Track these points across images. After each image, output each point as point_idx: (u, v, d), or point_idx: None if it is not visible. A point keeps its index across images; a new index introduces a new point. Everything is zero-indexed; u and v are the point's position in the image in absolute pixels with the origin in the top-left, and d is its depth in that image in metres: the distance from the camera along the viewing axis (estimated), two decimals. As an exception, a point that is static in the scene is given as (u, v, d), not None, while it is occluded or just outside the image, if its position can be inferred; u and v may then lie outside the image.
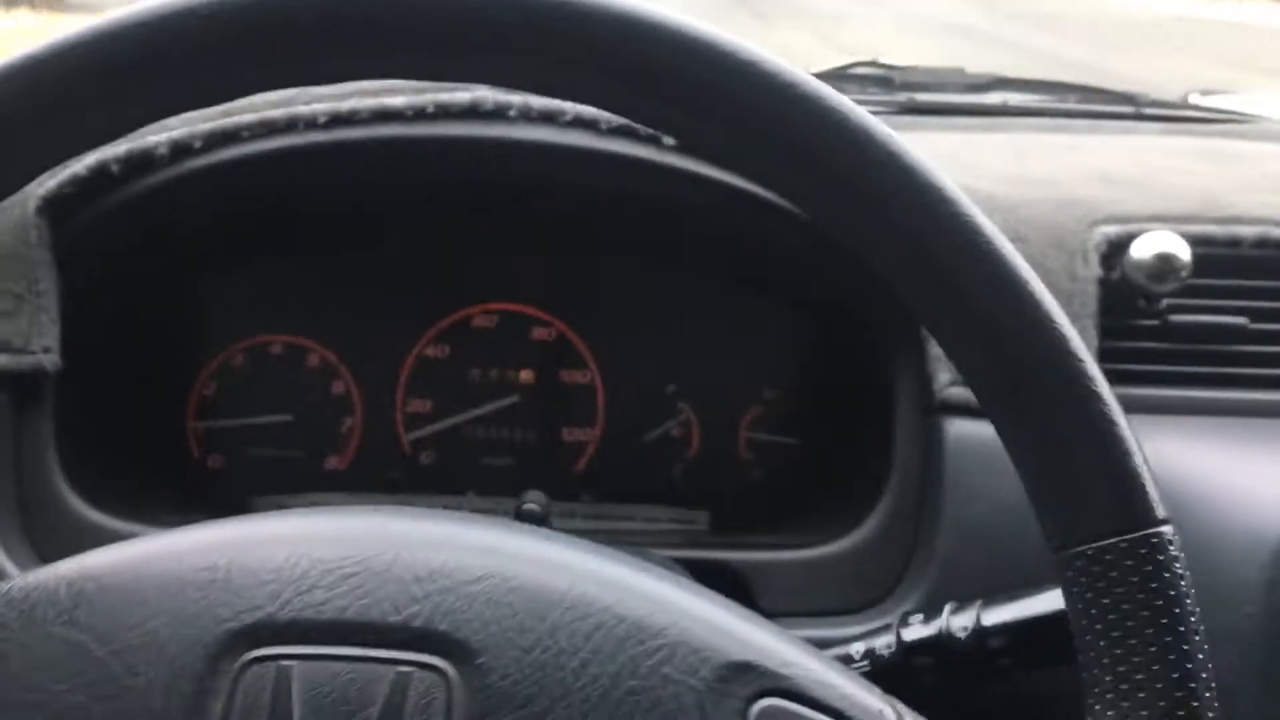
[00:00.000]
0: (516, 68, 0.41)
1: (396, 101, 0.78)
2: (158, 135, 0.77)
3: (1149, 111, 1.23)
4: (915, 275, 0.40)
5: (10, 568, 0.72)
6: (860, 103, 1.14)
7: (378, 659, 0.39)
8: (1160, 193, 0.86)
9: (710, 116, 0.40)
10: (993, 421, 0.40)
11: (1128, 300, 0.81)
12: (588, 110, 0.77)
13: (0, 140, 0.40)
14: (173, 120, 0.77)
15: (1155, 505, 0.38)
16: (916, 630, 0.61)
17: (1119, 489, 0.38)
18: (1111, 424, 0.38)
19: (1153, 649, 0.37)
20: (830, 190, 0.40)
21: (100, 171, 0.76)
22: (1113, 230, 0.81)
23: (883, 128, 0.39)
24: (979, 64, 1.41)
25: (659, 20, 0.39)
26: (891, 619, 0.64)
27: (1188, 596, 0.38)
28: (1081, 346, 0.39)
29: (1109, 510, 0.38)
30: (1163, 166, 0.92)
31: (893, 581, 0.76)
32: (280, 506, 0.49)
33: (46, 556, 0.74)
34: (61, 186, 0.75)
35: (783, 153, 0.40)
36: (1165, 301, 0.81)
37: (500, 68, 0.41)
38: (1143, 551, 0.38)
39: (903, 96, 1.23)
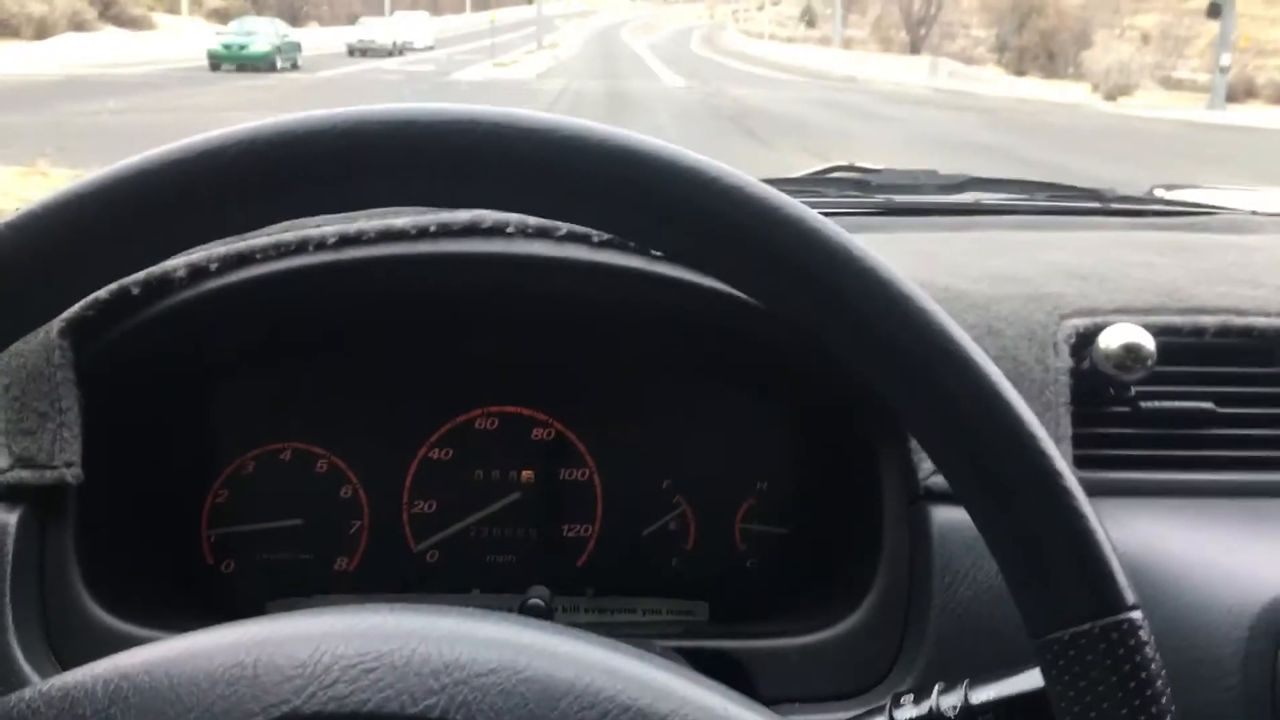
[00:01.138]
0: (523, 196, 0.45)
1: (401, 222, 0.82)
2: (176, 260, 0.80)
3: (1115, 206, 1.27)
4: (891, 378, 0.43)
5: (31, 674, 0.73)
6: (839, 204, 1.19)
7: None
8: (1125, 286, 0.90)
9: (704, 238, 0.44)
10: (969, 514, 0.43)
11: (1098, 388, 0.84)
12: (580, 226, 0.80)
13: (45, 272, 0.44)
14: None
15: (1124, 591, 0.41)
16: (908, 711, 0.62)
17: (1088, 578, 0.41)
18: (1079, 516, 0.41)
19: None
20: (810, 301, 0.43)
21: (121, 295, 0.79)
22: (1081, 323, 0.85)
23: (859, 244, 0.43)
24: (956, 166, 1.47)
25: (657, 153, 0.43)
26: (885, 701, 0.65)
27: (1159, 677, 0.41)
28: (1049, 444, 0.42)
29: (1080, 598, 0.41)
30: (1128, 260, 0.95)
31: (887, 665, 0.78)
32: (293, 608, 0.51)
33: (66, 663, 0.75)
34: (84, 310, 0.78)
35: (770, 270, 0.43)
36: (1134, 389, 0.84)
37: (506, 196, 0.45)
38: (1114, 636, 0.40)
39: (880, 198, 1.27)
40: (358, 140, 0.43)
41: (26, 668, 0.73)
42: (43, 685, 0.44)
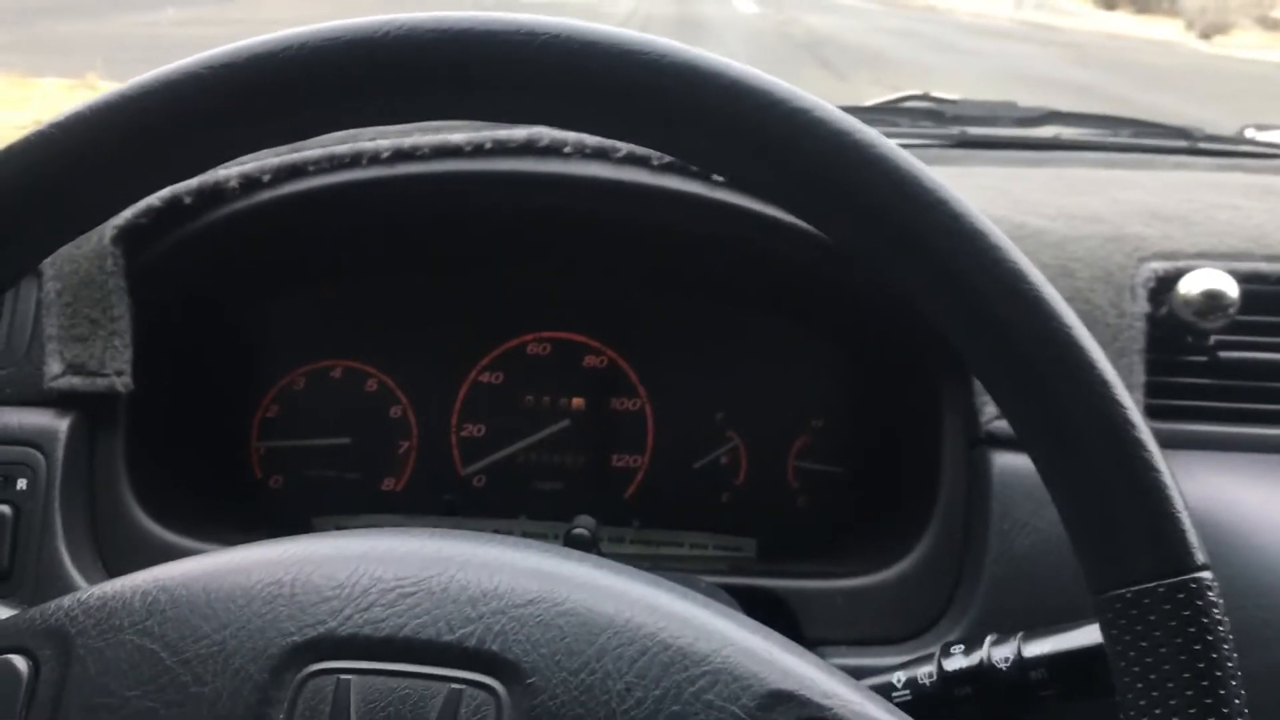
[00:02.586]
0: (582, 113, 0.43)
1: (456, 138, 0.81)
2: (228, 169, 0.79)
3: (1203, 146, 1.22)
4: (959, 317, 0.41)
5: (79, 580, 0.75)
6: (912, 135, 1.16)
7: (432, 676, 0.41)
8: (1209, 229, 0.86)
9: (764, 160, 0.41)
10: (1034, 462, 0.41)
11: (1175, 336, 0.81)
12: (640, 148, 0.79)
13: (103, 169, 0.43)
14: None
15: (1194, 550, 0.39)
16: (958, 660, 0.61)
17: (1158, 534, 0.39)
18: (1152, 469, 0.39)
19: (1189, 692, 0.38)
20: (877, 233, 0.41)
21: (173, 203, 0.79)
22: (1160, 266, 0.81)
23: (930, 174, 0.41)
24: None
25: (721, 69, 0.41)
26: (934, 649, 0.64)
27: (1225, 641, 0.39)
28: (1123, 391, 0.40)
29: (1147, 555, 0.39)
30: (1213, 203, 0.91)
31: (937, 612, 0.77)
32: (338, 527, 0.51)
33: (113, 571, 0.77)
34: (137, 217, 0.78)
35: (831, 196, 0.41)
36: (1213, 338, 0.81)
37: (574, 114, 0.43)
38: (1180, 596, 0.38)
39: (955, 130, 1.24)
40: (407, 49, 0.41)
41: (74, 573, 0.74)
42: (82, 594, 0.44)
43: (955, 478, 0.79)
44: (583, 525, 0.80)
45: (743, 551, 0.94)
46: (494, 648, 0.41)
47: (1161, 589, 0.39)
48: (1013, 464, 0.75)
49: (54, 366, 0.77)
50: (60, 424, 0.76)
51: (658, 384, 0.95)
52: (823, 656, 0.46)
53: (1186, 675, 0.38)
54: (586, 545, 0.78)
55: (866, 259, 0.42)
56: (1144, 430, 0.40)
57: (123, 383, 0.77)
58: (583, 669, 0.40)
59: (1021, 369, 0.40)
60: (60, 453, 0.75)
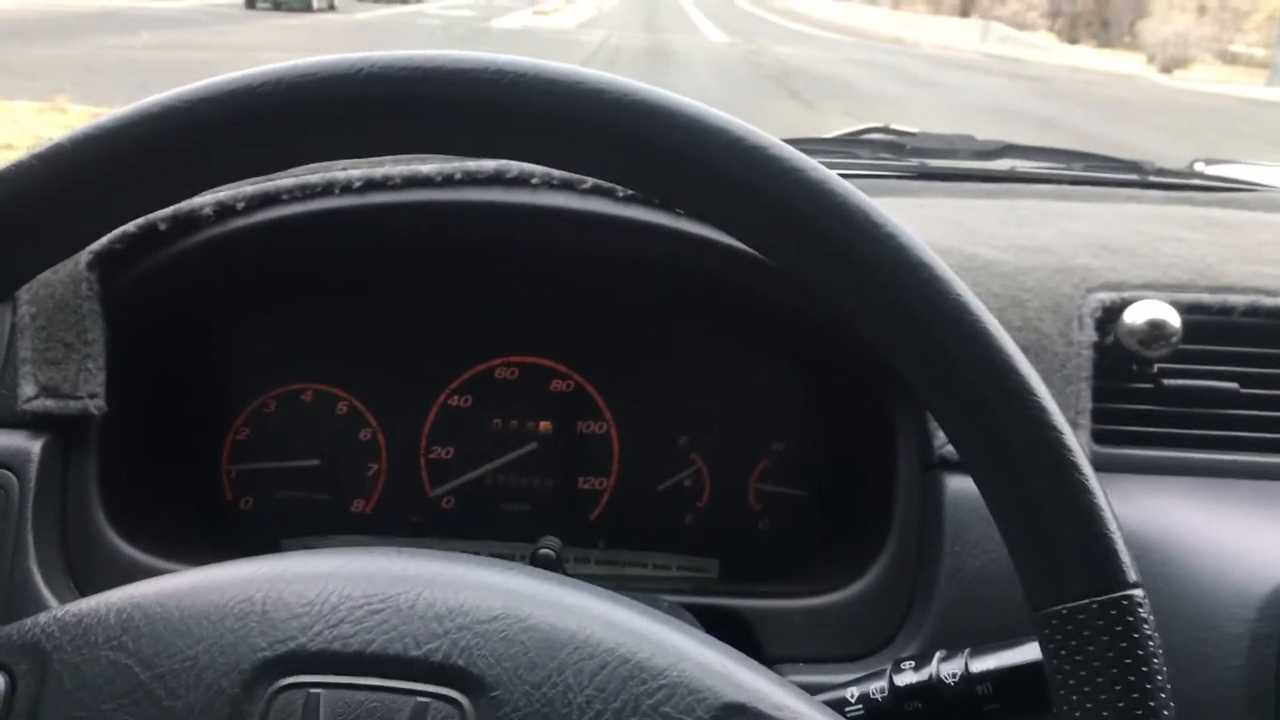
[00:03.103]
0: (543, 149, 0.45)
1: (426, 168, 0.82)
2: (203, 197, 0.80)
3: (1153, 180, 1.26)
4: (905, 346, 0.43)
5: (51, 599, 0.75)
6: (872, 167, 1.18)
7: (399, 689, 0.42)
8: (1155, 261, 0.89)
9: (722, 197, 0.43)
10: (977, 484, 0.43)
11: (1121, 365, 0.83)
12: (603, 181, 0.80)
13: (71, 203, 0.44)
14: None
15: (1126, 569, 0.41)
16: (908, 676, 0.63)
17: (1091, 554, 0.41)
18: (1085, 491, 0.41)
19: (1121, 704, 0.40)
20: (829, 266, 0.43)
21: (148, 229, 0.80)
22: (1107, 297, 0.84)
23: (879, 208, 0.43)
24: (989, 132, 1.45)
25: (677, 108, 0.43)
26: (887, 665, 0.66)
27: (1155, 656, 0.41)
28: (1060, 418, 0.42)
29: (1082, 574, 0.41)
30: (1160, 235, 0.94)
31: (892, 630, 0.78)
32: (308, 547, 0.52)
33: (85, 591, 0.77)
34: (112, 243, 0.79)
35: (785, 230, 0.43)
36: (1157, 366, 0.83)
37: (528, 148, 0.45)
38: (1113, 613, 0.40)
39: (914, 162, 1.26)
40: (376, 86, 0.43)
41: (46, 593, 0.75)
42: (58, 611, 0.45)
43: (910, 501, 0.80)
44: (548, 546, 0.81)
45: (705, 572, 0.96)
46: (459, 662, 0.42)
47: (1095, 606, 0.41)
48: (965, 487, 0.77)
49: (28, 389, 0.77)
50: (33, 445, 0.77)
51: (623, 408, 0.96)
52: (781, 673, 0.47)
53: (1118, 688, 0.40)
54: (552, 565, 0.80)
55: (820, 292, 0.44)
56: (1079, 455, 0.42)
57: (96, 405, 0.78)
58: (545, 682, 0.42)
59: (964, 396, 0.42)
60: (33, 474, 0.76)
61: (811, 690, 0.49)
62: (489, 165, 0.82)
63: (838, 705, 0.64)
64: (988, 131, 1.41)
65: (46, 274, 0.78)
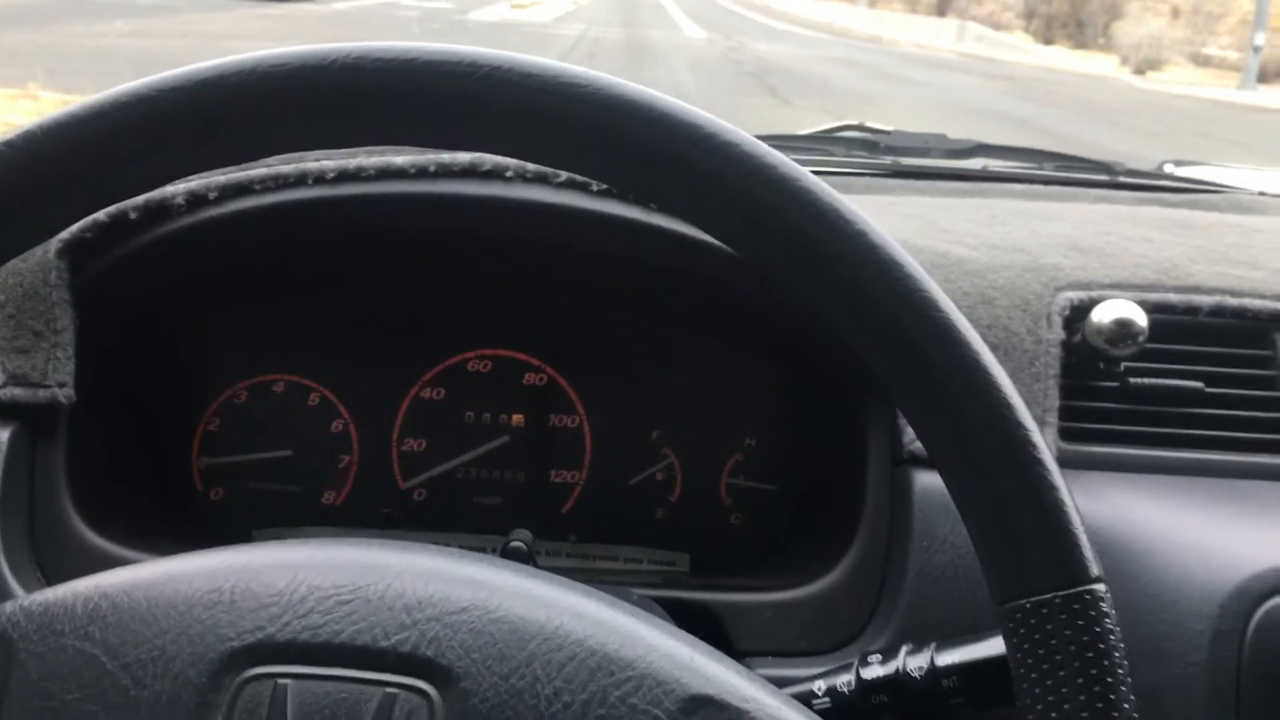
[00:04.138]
0: (514, 142, 0.45)
1: (400, 160, 0.82)
2: (175, 186, 0.80)
3: (1124, 180, 1.27)
4: (873, 341, 0.44)
5: (18, 589, 0.74)
6: (846, 165, 1.18)
7: (367, 680, 0.42)
8: (1123, 261, 0.90)
9: (693, 192, 0.44)
10: (943, 478, 0.44)
11: (1089, 362, 0.84)
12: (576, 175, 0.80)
13: (41, 191, 0.44)
14: None
15: (1089, 564, 0.42)
16: (875, 669, 0.64)
17: (1054, 548, 0.42)
18: (1049, 486, 0.42)
19: (1082, 697, 0.41)
20: (799, 261, 0.44)
21: (119, 218, 0.79)
22: (1075, 296, 0.85)
23: (850, 205, 0.43)
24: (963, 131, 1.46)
25: (650, 102, 0.43)
26: (854, 659, 0.66)
27: (1117, 649, 0.41)
28: (1025, 414, 0.43)
29: (1044, 568, 0.42)
30: (1129, 235, 0.95)
31: (860, 624, 0.79)
32: (279, 539, 0.52)
33: (52, 580, 0.76)
34: (82, 231, 0.78)
35: (756, 225, 0.44)
36: (1124, 365, 0.84)
37: (497, 140, 0.45)
38: (1075, 607, 0.41)
39: (887, 159, 1.27)
40: (350, 78, 0.43)
41: (13, 582, 0.74)
42: (24, 600, 0.45)
43: (879, 496, 0.81)
44: (519, 539, 0.82)
45: (676, 566, 0.96)
46: (428, 653, 0.42)
47: (1057, 600, 0.41)
48: (933, 483, 0.78)
49: None
50: (1, 434, 0.76)
51: (595, 402, 0.97)
52: (749, 667, 0.48)
53: (1080, 681, 0.41)
54: (523, 558, 0.80)
55: (790, 287, 0.44)
56: (1044, 451, 0.42)
57: (65, 394, 0.77)
58: (513, 674, 0.42)
59: (930, 391, 0.43)
60: (0, 463, 0.75)
61: (779, 683, 0.49)
62: (463, 158, 0.82)
63: (805, 698, 0.64)
64: (962, 130, 1.43)
65: (15, 262, 0.77)
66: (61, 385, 0.77)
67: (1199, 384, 0.85)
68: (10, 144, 0.43)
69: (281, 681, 0.42)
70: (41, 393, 0.77)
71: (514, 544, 0.81)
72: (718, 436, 0.96)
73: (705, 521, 0.96)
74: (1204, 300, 0.86)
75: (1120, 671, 0.41)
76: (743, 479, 0.97)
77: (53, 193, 0.44)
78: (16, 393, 0.77)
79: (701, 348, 0.96)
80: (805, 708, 0.45)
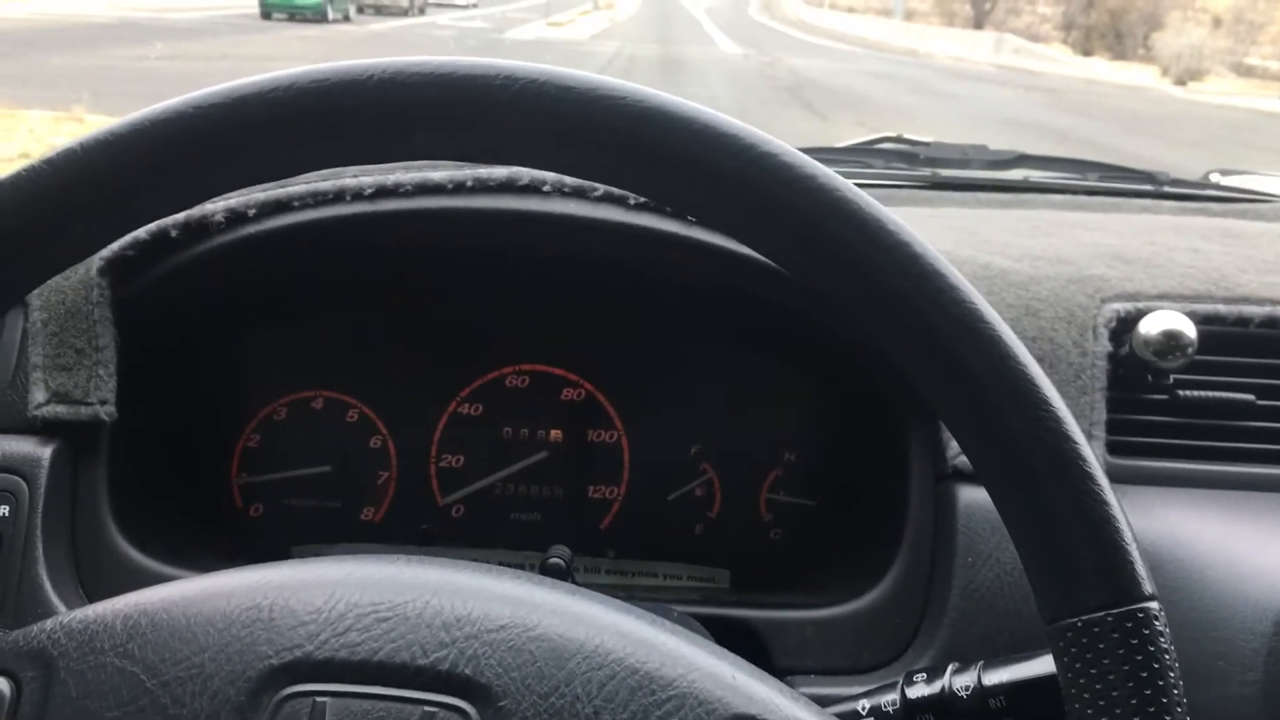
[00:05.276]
0: (552, 155, 0.45)
1: (438, 176, 0.82)
2: (214, 204, 0.81)
3: (1168, 190, 1.25)
4: (917, 354, 0.43)
5: (60, 605, 0.75)
6: (885, 177, 1.18)
7: (406, 699, 0.42)
8: (1171, 271, 0.88)
9: (734, 204, 0.43)
10: (990, 494, 0.43)
11: (1136, 375, 0.82)
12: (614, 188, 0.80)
13: (82, 208, 0.44)
14: None
15: (1142, 581, 0.40)
16: (920, 689, 0.62)
17: (1107, 566, 0.40)
18: (1101, 502, 0.41)
19: (1136, 718, 0.39)
20: (840, 273, 0.43)
21: (160, 236, 0.80)
22: (1121, 307, 0.83)
23: (892, 216, 0.42)
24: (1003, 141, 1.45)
25: (691, 115, 0.43)
26: (899, 678, 0.65)
27: (1171, 670, 0.40)
28: (1075, 427, 0.41)
29: (1097, 586, 0.40)
30: (1175, 246, 0.94)
31: (903, 642, 0.77)
32: (317, 555, 0.51)
33: (93, 597, 0.77)
34: (123, 249, 0.79)
35: (797, 237, 0.43)
36: (1173, 377, 0.82)
37: (537, 154, 0.45)
38: (1128, 625, 0.40)
39: (927, 171, 1.26)
40: (388, 93, 0.43)
41: (54, 598, 0.75)
42: (64, 617, 0.45)
43: (922, 512, 0.80)
44: (558, 555, 0.81)
45: (716, 582, 0.95)
46: (466, 672, 0.42)
47: (1110, 618, 0.40)
48: (977, 498, 0.77)
49: (38, 395, 0.77)
50: (44, 452, 0.77)
51: (634, 417, 0.96)
52: (792, 685, 0.47)
53: (1134, 702, 0.39)
54: (561, 574, 0.79)
55: (831, 300, 0.44)
56: (1094, 465, 0.41)
57: (106, 411, 0.78)
58: (553, 692, 0.41)
59: (976, 405, 0.42)
60: (43, 480, 0.76)
61: (822, 702, 0.48)
62: (500, 172, 0.82)
63: (849, 718, 0.63)
64: (1001, 143, 1.41)
65: (58, 280, 0.78)
66: (103, 403, 0.78)
67: (1250, 396, 0.83)
68: (51, 162, 0.44)
69: (320, 700, 0.42)
70: (84, 410, 0.77)
71: (552, 560, 0.80)
72: (757, 452, 0.96)
73: (745, 537, 0.96)
74: (1255, 311, 0.84)
75: (1175, 693, 0.40)
76: (783, 494, 0.96)
77: (92, 210, 0.44)
78: (59, 410, 0.77)
79: (740, 362, 0.95)
80: None
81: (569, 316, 0.96)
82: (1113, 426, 0.81)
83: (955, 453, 0.78)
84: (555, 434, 0.96)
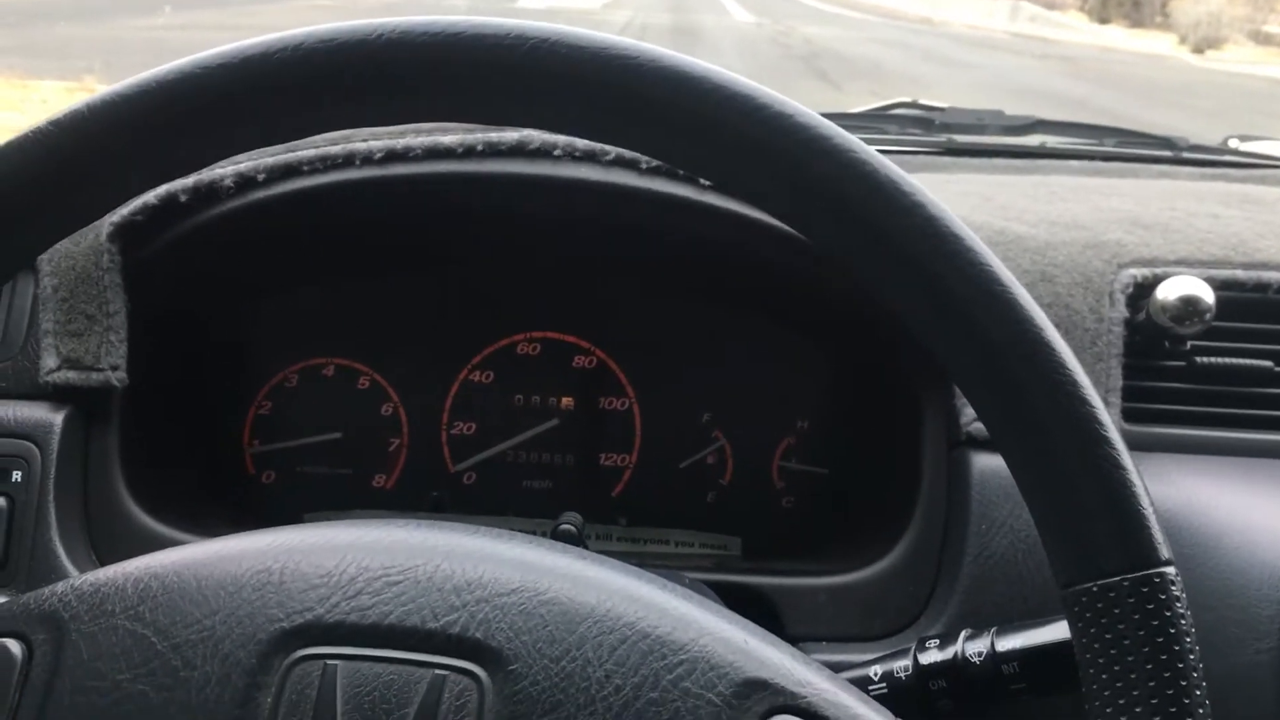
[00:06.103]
0: (566, 116, 0.44)
1: (448, 140, 0.81)
2: (223, 168, 0.80)
3: (1187, 156, 1.24)
4: (932, 317, 0.42)
5: (72, 570, 0.75)
6: (900, 142, 1.17)
7: (416, 662, 0.42)
8: (1189, 237, 0.87)
9: (748, 166, 0.43)
10: (1005, 459, 0.42)
11: (1153, 341, 0.82)
12: (627, 150, 0.79)
13: (99, 166, 0.44)
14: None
15: (1159, 546, 0.40)
16: (933, 655, 0.62)
17: (1123, 530, 0.40)
18: (1117, 467, 0.40)
19: (1151, 684, 0.39)
20: (854, 235, 0.42)
21: (169, 201, 0.79)
22: (1139, 273, 0.82)
23: (908, 178, 0.42)
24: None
25: (705, 75, 0.42)
26: (911, 644, 0.65)
27: (1188, 635, 0.40)
28: (1092, 392, 0.41)
29: (1113, 550, 0.40)
30: (1193, 211, 0.93)
31: (916, 609, 0.77)
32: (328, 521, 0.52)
33: (106, 562, 0.77)
34: (133, 214, 0.79)
35: (811, 198, 0.42)
36: (1190, 343, 0.82)
37: (550, 115, 0.44)
38: (1144, 590, 0.39)
39: (942, 137, 1.25)
40: (394, 51, 0.42)
41: (67, 563, 0.75)
42: (75, 580, 0.45)
43: (935, 478, 0.79)
44: (569, 522, 0.81)
45: (728, 549, 0.95)
46: (477, 635, 0.42)
47: (1126, 583, 0.40)
48: (991, 465, 0.76)
49: (50, 361, 0.77)
50: (55, 418, 0.77)
51: (646, 384, 0.96)
52: (804, 651, 0.47)
53: (1149, 667, 0.39)
54: (573, 541, 0.79)
55: (844, 260, 0.43)
56: (1111, 429, 0.41)
57: (118, 377, 0.78)
58: (563, 656, 0.41)
59: (992, 369, 0.41)
60: (55, 446, 0.76)
61: (835, 669, 0.48)
62: (511, 136, 0.81)
63: (861, 683, 0.63)
64: (1017, 111, 1.39)
65: (68, 246, 0.78)
66: (115, 368, 0.78)
67: (1269, 363, 0.82)
68: (57, 123, 0.43)
69: (331, 663, 0.42)
70: (95, 376, 0.78)
71: (564, 527, 0.81)
72: (769, 419, 0.95)
73: (757, 505, 0.95)
74: (1274, 277, 0.84)
75: (1191, 658, 0.40)
76: (795, 462, 0.96)
77: (100, 172, 0.44)
78: (70, 376, 0.77)
79: (753, 329, 0.95)
80: (862, 693, 0.44)
81: (580, 283, 0.96)
82: (1129, 393, 0.81)
83: (969, 419, 0.78)
84: (567, 401, 0.96)
